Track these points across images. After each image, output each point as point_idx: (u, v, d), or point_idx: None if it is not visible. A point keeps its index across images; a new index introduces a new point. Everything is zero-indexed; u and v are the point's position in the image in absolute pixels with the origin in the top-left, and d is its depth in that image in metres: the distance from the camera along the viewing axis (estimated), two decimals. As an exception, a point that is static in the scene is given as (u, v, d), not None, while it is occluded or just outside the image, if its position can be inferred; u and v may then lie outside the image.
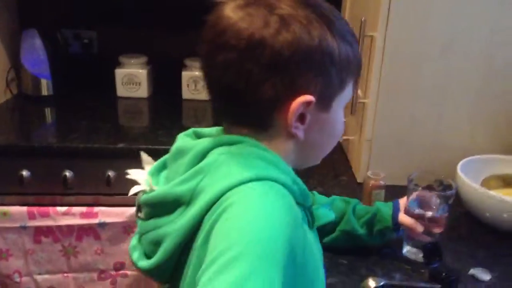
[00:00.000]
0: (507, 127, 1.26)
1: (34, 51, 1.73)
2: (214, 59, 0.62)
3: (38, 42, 1.72)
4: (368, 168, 1.25)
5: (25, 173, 1.43)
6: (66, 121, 1.66)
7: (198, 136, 0.72)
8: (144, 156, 0.75)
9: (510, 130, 1.26)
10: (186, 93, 1.82)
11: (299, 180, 0.65)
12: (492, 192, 1.11)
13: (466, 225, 1.16)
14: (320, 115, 0.65)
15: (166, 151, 0.72)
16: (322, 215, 0.77)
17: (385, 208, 1.00)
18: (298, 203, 0.63)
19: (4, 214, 1.43)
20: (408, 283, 0.93)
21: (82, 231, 1.46)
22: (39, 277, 1.51)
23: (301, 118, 0.64)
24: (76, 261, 1.50)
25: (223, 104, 0.67)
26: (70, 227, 1.45)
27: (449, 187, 1.01)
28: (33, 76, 1.75)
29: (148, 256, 0.66)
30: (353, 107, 1.26)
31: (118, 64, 1.80)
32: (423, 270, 0.96)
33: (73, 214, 1.44)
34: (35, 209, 1.43)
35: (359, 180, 1.31)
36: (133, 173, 0.72)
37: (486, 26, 1.17)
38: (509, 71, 1.20)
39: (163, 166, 0.72)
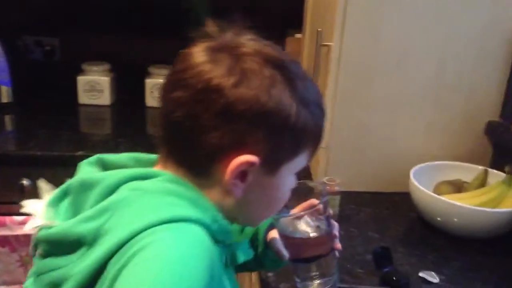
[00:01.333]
0: (458, 135, 1.30)
1: (-6, 57, 1.70)
2: (170, 92, 0.61)
3: (-3, 48, 1.69)
4: (326, 175, 1.28)
5: (-19, 181, 1.41)
6: (26, 129, 1.64)
7: (105, 165, 0.67)
8: (43, 184, 0.67)
9: (462, 138, 1.31)
10: (150, 101, 1.82)
11: (220, 217, 0.62)
12: (443, 197, 1.14)
13: (418, 230, 1.19)
14: (264, 178, 0.62)
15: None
16: (242, 253, 0.70)
17: (263, 227, 0.83)
18: (217, 241, 0.61)
19: (-42, 223, 1.40)
20: (358, 286, 0.95)
21: (41, 240, 1.44)
22: (-5, 288, 1.48)
23: (243, 176, 0.61)
24: (34, 271, 1.48)
25: (167, 138, 0.64)
26: (27, 237, 1.43)
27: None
28: (-8, 83, 1.72)
29: None
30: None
31: (81, 71, 1.79)
32: (374, 275, 0.99)
33: (31, 223, 1.42)
34: (-5, 218, 1.41)
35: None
36: (28, 205, 0.63)
37: (439, 38, 1.21)
38: (461, 82, 1.25)
39: (64, 195, 0.65)
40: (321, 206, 0.75)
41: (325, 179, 1.17)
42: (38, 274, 0.60)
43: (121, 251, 0.52)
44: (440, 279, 0.99)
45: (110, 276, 0.50)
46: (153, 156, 0.68)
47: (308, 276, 0.78)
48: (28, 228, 0.63)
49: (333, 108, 1.25)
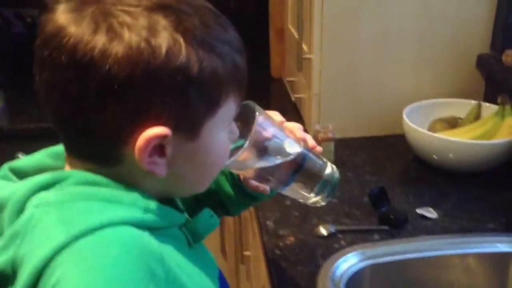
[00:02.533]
0: (450, 70, 1.29)
1: (-26, 33, 1.67)
2: (39, 75, 0.50)
3: (-24, 24, 1.66)
4: (318, 122, 1.27)
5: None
6: (15, 104, 1.62)
7: (18, 173, 0.56)
8: None
9: (453, 74, 1.29)
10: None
11: (152, 204, 0.52)
12: (438, 134, 1.14)
13: (415, 169, 1.20)
14: (186, 144, 0.52)
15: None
16: (203, 227, 0.60)
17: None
18: (163, 228, 0.53)
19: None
20: (357, 227, 0.96)
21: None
22: None
23: (160, 150, 0.51)
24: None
25: (58, 131, 0.52)
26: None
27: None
28: (-24, 59, 1.70)
29: None
30: (299, 64, 1.27)
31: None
32: (372, 215, 1.00)
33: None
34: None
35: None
36: None
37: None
38: (447, 14, 1.22)
39: None
40: (256, 128, 0.62)
41: (317, 126, 1.16)
42: None
43: (42, 282, 0.45)
44: (438, 214, 1.00)
45: None
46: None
47: (304, 191, 0.70)
48: None
49: (321, 53, 1.23)
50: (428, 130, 1.19)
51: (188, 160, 0.54)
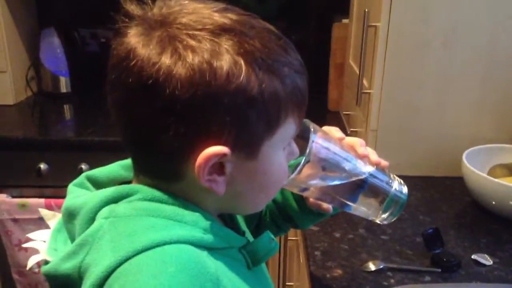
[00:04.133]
0: (512, 116, 1.26)
1: (53, 49, 1.79)
2: (110, 95, 0.53)
3: (56, 41, 1.78)
4: (374, 158, 1.26)
5: (42, 166, 1.49)
6: (83, 117, 1.72)
7: (94, 183, 0.60)
8: (44, 211, 0.63)
9: (516, 119, 1.26)
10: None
11: (214, 225, 0.54)
12: (498, 180, 1.11)
13: (471, 214, 1.16)
14: (245, 163, 0.53)
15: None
16: (262, 250, 0.60)
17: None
18: (223, 248, 0.55)
19: (23, 205, 1.49)
20: (408, 266, 0.94)
21: (98, 222, 1.50)
22: (57, 267, 1.56)
23: (220, 169, 0.52)
24: (92, 252, 1.55)
25: (127, 149, 0.56)
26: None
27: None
28: (52, 74, 1.81)
29: None
30: (358, 98, 1.27)
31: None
32: (425, 256, 0.97)
33: (89, 206, 1.49)
34: (52, 201, 1.49)
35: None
36: (35, 236, 0.60)
37: (489, 14, 1.17)
38: (513, 59, 1.20)
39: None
40: (312, 145, 0.61)
41: (373, 161, 1.16)
42: None
43: None
44: (493, 262, 0.96)
45: None
46: None
47: (372, 208, 0.67)
48: (30, 265, 0.59)
49: (382, 89, 1.23)
50: (488, 175, 1.16)
51: (247, 179, 0.55)
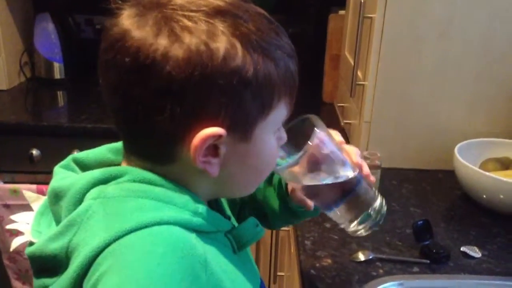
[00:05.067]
0: (505, 111, 1.26)
1: (47, 35, 1.78)
2: (104, 75, 0.53)
3: (50, 26, 1.77)
4: (367, 149, 1.27)
5: (35, 152, 1.48)
6: (77, 104, 1.71)
7: (81, 165, 0.60)
8: (28, 193, 0.62)
9: (508, 114, 1.26)
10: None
11: (201, 208, 0.54)
12: (490, 173, 1.11)
13: (462, 207, 1.17)
14: (238, 145, 0.54)
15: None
16: (247, 235, 0.61)
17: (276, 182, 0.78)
18: (210, 232, 0.55)
19: (15, 191, 1.47)
20: (397, 257, 0.94)
21: (90, 209, 1.50)
22: (48, 254, 1.56)
23: (214, 150, 0.53)
24: (83, 238, 1.54)
25: (118, 129, 0.55)
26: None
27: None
28: (46, 59, 1.80)
29: None
30: (352, 90, 1.27)
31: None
32: (414, 247, 0.98)
33: (81, 193, 1.49)
34: (44, 188, 1.48)
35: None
36: (18, 218, 0.60)
37: (485, 8, 1.17)
38: (508, 54, 1.20)
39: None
40: (314, 141, 0.62)
41: (365, 153, 1.16)
42: None
43: (89, 272, 0.48)
44: (482, 254, 0.97)
45: None
46: None
47: (349, 218, 0.68)
48: (14, 246, 0.56)
49: (376, 81, 1.23)
50: (479, 169, 1.17)
51: (240, 161, 0.55)
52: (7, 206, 1.49)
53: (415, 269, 0.92)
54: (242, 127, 0.53)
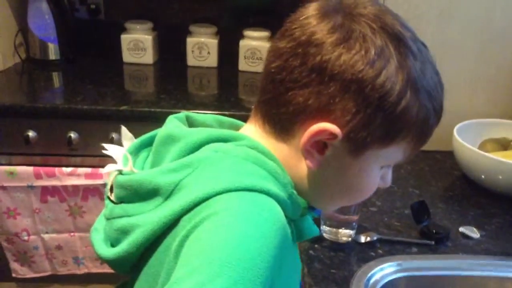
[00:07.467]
0: (505, 91, 1.25)
1: (41, 15, 1.75)
2: (276, 42, 0.58)
3: (44, 6, 1.73)
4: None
5: (31, 133, 1.47)
6: (72, 85, 1.69)
7: (191, 122, 0.65)
8: (124, 130, 0.67)
9: (508, 95, 1.26)
10: (191, 60, 1.83)
11: (294, 194, 0.58)
12: (488, 154, 1.11)
13: (460, 187, 1.17)
14: (345, 156, 0.56)
15: (167, 115, 0.66)
16: (307, 230, 0.65)
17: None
18: (287, 217, 0.56)
19: (11, 173, 1.47)
20: (396, 238, 0.95)
21: (88, 191, 1.50)
22: (46, 236, 1.56)
23: (322, 148, 0.56)
24: (82, 220, 1.54)
25: (261, 89, 0.60)
26: (75, 187, 1.49)
27: None
28: (40, 40, 1.77)
29: (111, 244, 0.59)
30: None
31: (124, 30, 1.82)
32: (412, 228, 0.98)
33: (78, 175, 1.48)
34: (41, 169, 1.47)
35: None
36: (110, 149, 0.63)
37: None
38: (508, 35, 1.19)
39: (143, 146, 0.65)
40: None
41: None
42: (109, 218, 0.59)
43: (196, 209, 0.50)
44: (480, 235, 0.97)
45: (183, 232, 0.49)
46: (235, 121, 0.67)
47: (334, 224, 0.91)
48: (106, 171, 0.61)
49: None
50: (478, 149, 1.17)
51: (338, 172, 0.58)
52: (3, 188, 1.48)
53: (414, 249, 0.92)
54: (357, 141, 0.54)
